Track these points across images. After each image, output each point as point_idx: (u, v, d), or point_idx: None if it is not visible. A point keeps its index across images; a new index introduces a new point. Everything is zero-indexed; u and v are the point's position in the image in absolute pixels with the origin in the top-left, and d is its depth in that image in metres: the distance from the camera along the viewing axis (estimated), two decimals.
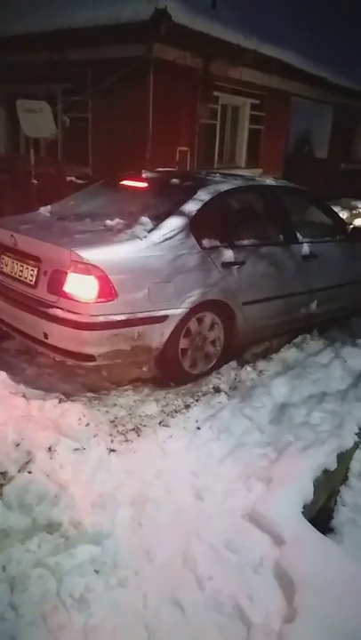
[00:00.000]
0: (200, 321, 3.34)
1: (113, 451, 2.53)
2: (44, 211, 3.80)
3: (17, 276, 3.21)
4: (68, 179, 7.12)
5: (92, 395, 3.08)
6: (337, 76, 10.64)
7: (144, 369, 3.23)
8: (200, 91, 8.09)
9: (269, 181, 4.29)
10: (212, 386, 3.28)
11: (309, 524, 2.03)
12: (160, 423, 2.84)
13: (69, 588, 1.76)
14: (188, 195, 3.42)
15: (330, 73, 10.33)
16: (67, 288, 2.86)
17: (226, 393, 3.19)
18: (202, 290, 3.24)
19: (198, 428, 2.79)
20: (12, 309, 3.23)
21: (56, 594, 1.76)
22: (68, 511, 2.05)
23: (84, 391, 3.12)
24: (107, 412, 2.90)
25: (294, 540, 1.89)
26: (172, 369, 3.29)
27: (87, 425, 2.64)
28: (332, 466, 2.47)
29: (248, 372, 3.43)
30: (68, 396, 3.00)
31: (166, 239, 3.11)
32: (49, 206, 3.85)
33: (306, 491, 2.24)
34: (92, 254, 2.83)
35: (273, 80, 9.53)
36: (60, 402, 2.85)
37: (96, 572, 1.85)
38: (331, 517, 2.46)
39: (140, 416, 2.91)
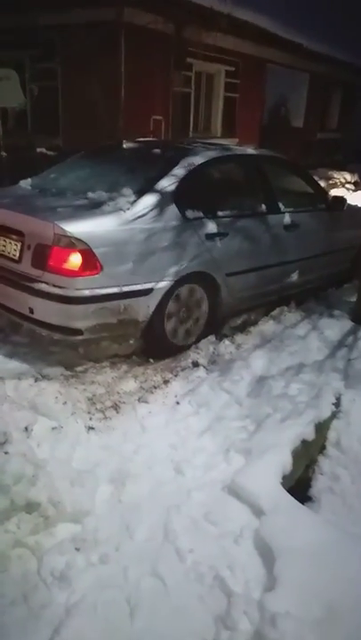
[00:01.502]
0: (185, 293, 3.35)
1: (91, 428, 2.51)
2: (25, 184, 3.73)
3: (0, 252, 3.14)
4: (39, 150, 6.92)
5: (69, 373, 3.04)
6: (314, 43, 10.44)
7: (130, 342, 3.23)
8: (173, 57, 7.86)
9: (251, 150, 4.25)
10: (190, 360, 3.27)
11: (288, 494, 2.05)
12: (139, 399, 2.82)
13: (50, 567, 1.76)
14: (171, 165, 3.37)
15: (306, 39, 10.12)
16: (51, 262, 2.84)
17: (205, 367, 3.19)
18: (186, 262, 3.23)
19: (177, 403, 2.79)
20: None
21: (37, 573, 1.75)
22: (47, 490, 2.03)
23: (60, 369, 3.07)
24: (84, 389, 2.86)
25: (273, 511, 1.91)
26: (158, 341, 3.31)
27: (64, 403, 2.61)
28: (311, 436, 2.50)
29: (226, 346, 3.43)
30: (45, 374, 2.95)
31: (149, 211, 3.08)
32: (29, 179, 3.78)
33: (284, 461, 2.26)
34: (75, 228, 2.80)
35: (248, 46, 9.32)
36: (35, 381, 2.80)
37: (77, 549, 1.85)
38: (309, 486, 2.50)
39: (119, 393, 2.88)
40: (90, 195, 3.18)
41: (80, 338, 2.97)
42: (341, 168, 11.39)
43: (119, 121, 7.12)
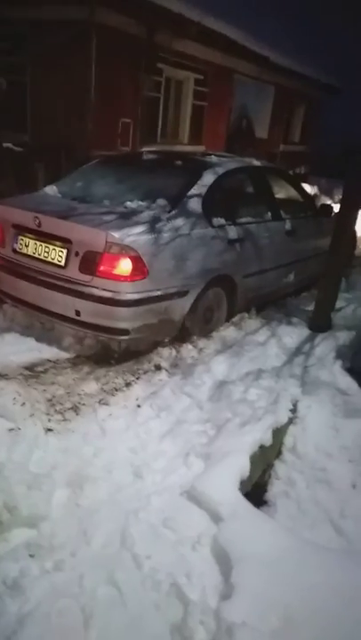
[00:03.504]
0: (211, 294, 3.66)
1: (50, 430, 2.46)
2: (51, 191, 3.84)
3: (42, 257, 3.29)
4: (5, 145, 6.74)
5: (29, 373, 2.98)
6: (281, 57, 10.66)
7: (166, 340, 3.46)
8: (144, 61, 7.85)
9: (256, 162, 4.59)
10: (153, 364, 3.26)
11: (246, 501, 2.07)
12: (100, 402, 2.79)
13: (2, 575, 1.70)
14: (196, 176, 3.66)
15: (273, 53, 10.33)
16: (102, 268, 3.03)
17: (167, 370, 3.19)
18: (215, 266, 3.57)
19: (139, 406, 2.77)
20: (35, 289, 3.30)
21: None
22: (2, 494, 1.97)
23: (19, 369, 3.00)
24: (44, 390, 2.81)
25: (231, 517, 1.92)
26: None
27: (23, 404, 2.55)
28: (268, 441, 2.54)
29: (189, 350, 3.44)
30: (3, 374, 2.87)
31: (185, 220, 3.36)
32: (54, 186, 3.91)
33: (243, 466, 2.28)
34: (126, 236, 3.01)
35: (217, 56, 9.42)
36: None
37: (31, 556, 1.80)
38: (265, 491, 2.53)
39: (80, 394, 2.84)
40: (128, 204, 3.40)
41: (126, 337, 3.18)
42: (303, 180, 11.67)
43: (88, 120, 7.04)
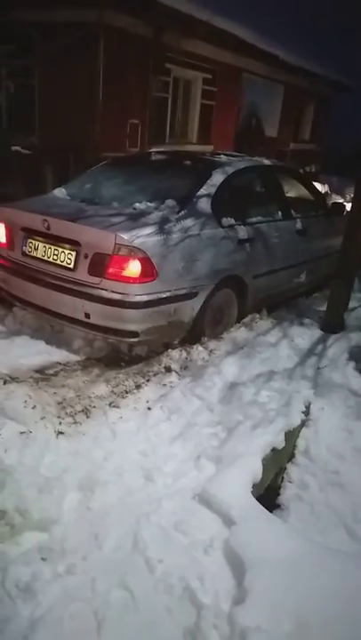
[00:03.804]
0: (221, 295, 3.63)
1: (61, 433, 2.46)
2: (60, 193, 3.84)
3: (51, 260, 3.28)
4: (14, 148, 6.78)
5: (39, 376, 2.98)
6: (289, 55, 10.61)
7: (176, 342, 3.44)
8: (152, 62, 7.85)
9: (267, 161, 4.53)
10: (163, 366, 3.25)
11: (258, 504, 2.05)
12: (110, 404, 2.78)
13: (15, 578, 1.69)
14: (205, 176, 3.63)
15: (282, 51, 10.28)
16: (111, 270, 3.01)
17: (177, 373, 3.17)
18: (225, 266, 3.53)
19: (149, 409, 2.76)
20: (44, 292, 3.29)
21: (0, 584, 1.69)
22: (14, 498, 1.97)
23: (30, 372, 3.01)
24: (54, 393, 2.80)
25: (243, 520, 1.90)
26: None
27: (33, 407, 2.55)
28: (281, 444, 2.52)
29: (199, 352, 3.42)
30: (14, 377, 2.88)
31: (194, 220, 3.33)
32: (62, 189, 3.91)
33: (255, 470, 2.26)
34: (135, 238, 2.99)
35: (226, 55, 9.40)
36: (4, 383, 2.73)
37: (43, 559, 1.79)
38: (278, 494, 2.52)
39: (90, 397, 2.84)
40: (137, 205, 3.37)
41: (136, 340, 3.16)
42: (313, 179, 11.61)
43: (96, 122, 7.05)
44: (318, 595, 1.56)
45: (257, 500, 2.11)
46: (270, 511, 2.14)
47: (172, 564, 1.76)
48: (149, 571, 1.75)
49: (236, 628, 1.48)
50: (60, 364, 3.21)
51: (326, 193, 11.37)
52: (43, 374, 3.01)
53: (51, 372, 3.06)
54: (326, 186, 11.95)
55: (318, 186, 11.24)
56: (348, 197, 10.64)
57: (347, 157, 13.64)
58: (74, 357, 3.32)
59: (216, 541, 1.85)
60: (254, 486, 2.20)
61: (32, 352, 3.23)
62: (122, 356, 3.38)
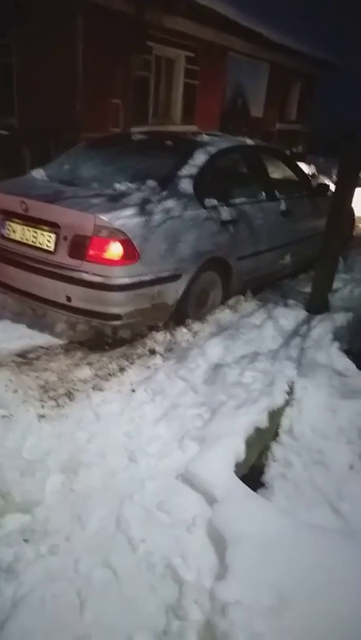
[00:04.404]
0: (205, 277, 3.60)
1: (43, 417, 2.44)
2: (38, 175, 3.74)
3: (30, 243, 3.23)
4: None
5: (21, 360, 2.95)
6: (275, 33, 10.45)
7: (160, 324, 3.42)
8: (133, 39, 7.68)
9: (250, 141, 4.49)
10: (147, 348, 3.24)
11: (241, 482, 2.06)
12: (94, 387, 2.77)
13: None
14: (187, 156, 3.57)
15: (267, 29, 10.11)
16: (91, 252, 2.97)
17: (161, 355, 3.17)
18: (208, 248, 3.50)
19: (133, 391, 2.76)
20: (25, 275, 3.25)
21: None
22: None
23: (11, 356, 2.97)
24: (37, 377, 2.79)
25: (226, 499, 1.91)
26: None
27: (15, 391, 2.53)
28: (264, 424, 2.52)
29: (183, 334, 3.41)
30: None
31: (176, 201, 3.28)
32: (41, 170, 3.80)
33: (238, 449, 2.27)
34: (115, 219, 2.94)
35: (208, 32, 9.22)
36: None
37: (25, 540, 1.79)
38: (262, 473, 2.53)
39: (73, 380, 2.82)
40: (117, 186, 3.30)
41: (118, 323, 3.13)
42: (300, 159, 11.53)
43: (76, 102, 6.91)
44: (299, 570, 1.57)
45: (241, 479, 2.12)
46: (255, 490, 2.15)
47: (155, 542, 1.77)
48: (132, 550, 1.76)
49: (216, 603, 1.49)
50: (43, 347, 3.18)
51: (313, 174, 11.30)
52: (25, 358, 2.98)
53: (33, 355, 3.03)
54: (313, 166, 11.88)
55: (305, 167, 11.18)
56: (334, 178, 10.60)
57: (333, 138, 13.57)
58: (56, 341, 3.29)
59: (199, 520, 1.86)
60: (237, 465, 2.21)
61: (13, 336, 3.20)
62: (105, 339, 3.35)
